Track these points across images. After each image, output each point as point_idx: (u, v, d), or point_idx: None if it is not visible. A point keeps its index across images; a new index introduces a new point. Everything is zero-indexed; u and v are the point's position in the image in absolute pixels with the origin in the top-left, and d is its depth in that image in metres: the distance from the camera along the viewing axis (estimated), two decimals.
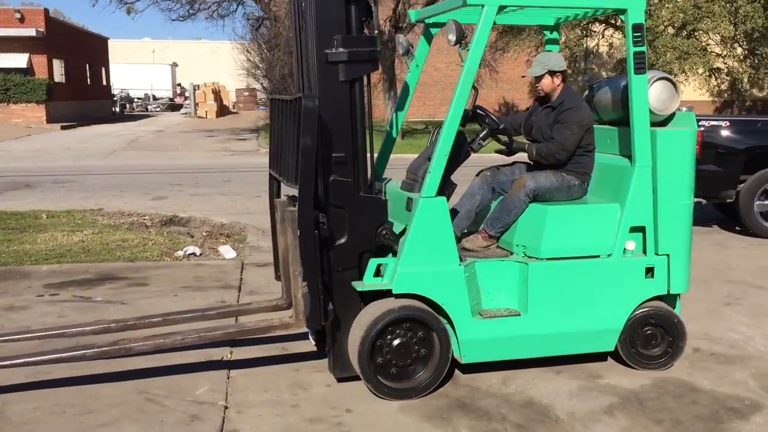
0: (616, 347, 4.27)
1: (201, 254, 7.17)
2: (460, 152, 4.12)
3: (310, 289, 3.70)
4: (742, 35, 23.17)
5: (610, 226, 4.18)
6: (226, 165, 16.52)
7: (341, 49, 3.73)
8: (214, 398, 3.84)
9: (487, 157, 5.79)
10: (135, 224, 8.73)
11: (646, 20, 4.75)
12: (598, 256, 4.18)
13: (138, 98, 50.60)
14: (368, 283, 3.88)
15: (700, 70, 23.18)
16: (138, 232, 8.09)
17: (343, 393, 3.95)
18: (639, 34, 4.07)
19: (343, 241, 3.87)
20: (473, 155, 4.38)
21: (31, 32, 29.27)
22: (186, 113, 42.59)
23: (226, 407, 3.74)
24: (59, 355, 3.80)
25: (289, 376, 4.16)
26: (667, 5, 23.13)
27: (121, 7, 22.30)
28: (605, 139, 4.59)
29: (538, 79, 4.46)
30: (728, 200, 7.93)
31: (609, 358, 4.41)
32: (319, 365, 4.30)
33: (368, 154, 3.96)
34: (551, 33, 4.99)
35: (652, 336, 4.28)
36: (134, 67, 53.15)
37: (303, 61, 4.09)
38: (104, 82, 42.11)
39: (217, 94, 40.96)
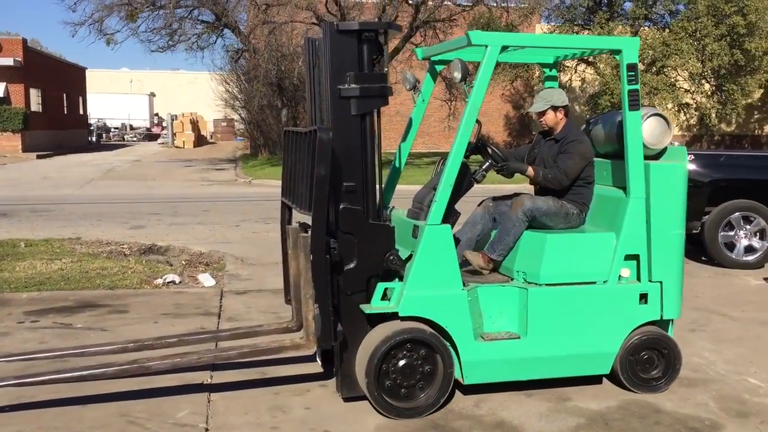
0: (614, 370, 4.46)
1: (180, 282, 7.26)
2: (463, 182, 4.35)
3: (321, 310, 3.89)
4: (709, 72, 23.93)
5: (606, 253, 4.40)
6: (204, 195, 16.61)
7: (353, 85, 3.98)
8: (195, 421, 3.94)
9: (489, 187, 6.01)
10: (114, 253, 8.80)
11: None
12: (595, 283, 4.39)
13: (115, 128, 50.51)
14: (376, 306, 4.07)
15: (669, 105, 23.86)
16: (117, 261, 8.16)
17: (321, 416, 4.07)
18: (633, 73, 4.36)
19: (352, 265, 4.06)
20: (475, 186, 4.61)
21: (8, 62, 29.26)
22: (163, 143, 42.61)
23: (207, 429, 3.85)
24: (81, 373, 3.95)
25: (269, 399, 4.27)
26: None
27: (100, 38, 22.46)
28: (601, 171, 4.84)
29: (542, 114, 4.72)
30: (694, 231, 8.21)
31: (592, 381, 4.58)
32: (299, 389, 4.43)
33: (377, 184, 4.19)
34: (550, 70, 5.26)
35: (650, 359, 4.48)
36: (112, 97, 53.15)
37: (316, 95, 4.35)
38: (81, 112, 42.04)
39: (195, 124, 41.09)
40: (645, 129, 4.58)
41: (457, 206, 4.50)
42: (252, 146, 30.08)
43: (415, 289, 4.08)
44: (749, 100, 27.70)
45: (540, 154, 4.83)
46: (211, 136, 48.58)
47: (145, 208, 13.56)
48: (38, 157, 28.65)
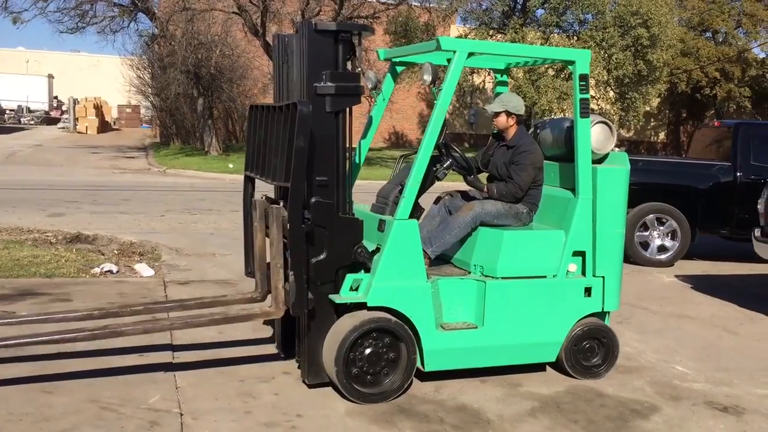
0: (559, 358, 4.77)
1: (118, 271, 7.14)
2: (426, 179, 4.53)
3: (296, 278, 4.00)
4: (613, 80, 25.16)
5: (557, 250, 4.71)
6: (119, 183, 16.14)
7: (329, 83, 4.10)
8: (167, 406, 3.98)
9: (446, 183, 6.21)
10: (38, 241, 8.51)
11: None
12: (546, 277, 4.69)
13: (11, 110, 47.86)
14: (345, 296, 4.21)
15: None
16: (45, 249, 7.91)
17: (291, 401, 4.19)
18: (584, 83, 4.68)
19: (322, 257, 4.17)
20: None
21: None
22: (64, 128, 40.77)
23: (181, 414, 3.90)
24: (53, 337, 3.98)
25: (236, 386, 4.35)
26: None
27: (6, 16, 21.34)
28: (549, 173, 5.15)
29: (496, 115, 4.95)
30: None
31: (546, 369, 4.89)
32: (264, 375, 4.53)
33: (348, 179, 4.33)
34: (501, 76, 5.54)
35: (591, 348, 4.82)
36: (6, 78, 50.26)
37: (284, 90, 4.47)
38: None
39: (98, 110, 39.55)
40: (591, 135, 4.93)
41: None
42: (163, 135, 29.30)
43: (383, 280, 4.26)
44: (648, 108, 29.37)
45: (493, 158, 5.10)
46: (115, 123, 46.83)
47: (59, 195, 13.08)
48: None
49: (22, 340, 3.99)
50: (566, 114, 24.23)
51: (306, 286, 4.08)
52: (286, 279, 4.14)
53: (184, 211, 11.92)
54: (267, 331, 5.28)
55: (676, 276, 8.45)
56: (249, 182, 4.75)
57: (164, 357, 4.75)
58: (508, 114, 4.94)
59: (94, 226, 9.84)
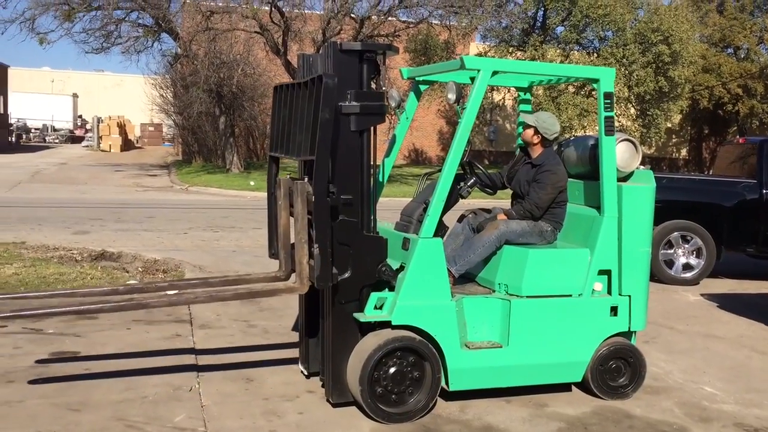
0: (585, 378, 4.73)
1: None
2: (450, 198, 4.53)
3: (321, 251, 4.02)
4: (634, 97, 25.07)
5: (582, 268, 4.68)
6: (142, 201, 16.30)
7: (354, 102, 4.12)
8: (193, 425, 3.99)
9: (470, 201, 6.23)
10: (64, 258, 8.60)
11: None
12: (571, 296, 4.65)
13: (36, 128, 48.61)
14: (369, 314, 4.21)
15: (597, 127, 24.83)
16: (71, 266, 7.99)
17: (315, 420, 4.18)
18: (609, 101, 4.66)
19: (347, 275, 4.18)
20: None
21: None
22: (88, 146, 41.33)
23: None
24: (79, 307, 4.08)
25: (260, 405, 4.35)
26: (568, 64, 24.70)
27: (33, 37, 21.73)
28: (573, 191, 5.12)
29: (525, 126, 4.94)
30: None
31: (572, 389, 4.84)
32: (288, 394, 4.52)
33: (372, 197, 4.34)
34: (524, 94, 5.53)
35: (617, 368, 4.77)
36: (33, 97, 51.06)
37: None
38: (1, 111, 40.29)
39: (122, 128, 40.04)
40: (616, 153, 4.90)
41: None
42: (185, 152, 29.59)
43: (408, 299, 4.25)
44: (669, 124, 29.20)
45: (518, 175, 5.09)
46: (137, 141, 47.38)
47: (84, 213, 13.23)
48: None
49: (48, 310, 4.04)
50: (587, 131, 24.16)
51: (331, 260, 4.10)
52: (311, 255, 4.16)
53: (206, 228, 12.00)
54: (292, 351, 5.27)
55: (702, 295, 8.34)
56: (273, 163, 4.78)
57: (189, 375, 4.77)
58: (536, 131, 4.94)
59: (119, 243, 9.94)
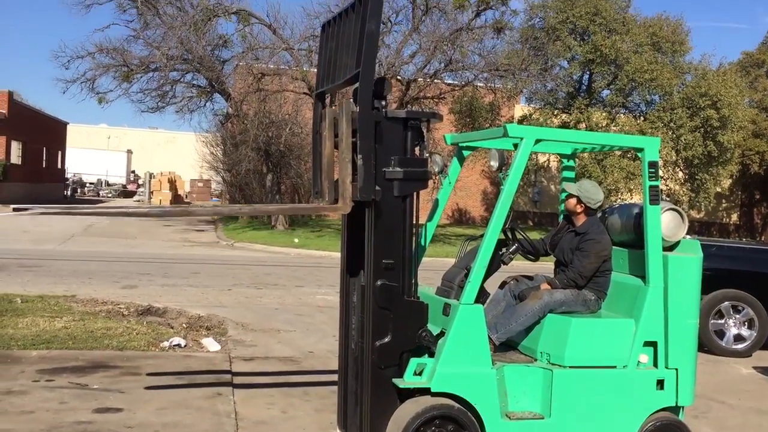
0: None
1: (186, 345, 7.27)
2: (492, 264, 4.53)
3: (365, 160, 4.08)
4: (682, 161, 24.80)
5: (626, 339, 4.60)
6: (189, 256, 16.58)
7: (398, 168, 4.20)
8: None
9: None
10: (112, 312, 8.77)
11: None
12: (615, 367, 4.57)
13: (90, 183, 50.24)
14: (409, 380, 4.19)
15: None
16: (118, 321, 8.14)
17: None
18: (654, 170, 4.66)
19: (387, 340, 4.19)
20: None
21: None
22: (139, 200, 42.43)
23: None
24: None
25: None
26: (614, 127, 24.70)
27: (92, 96, 22.68)
28: (618, 259, 5.07)
29: (568, 196, 4.97)
30: None
31: None
32: None
33: (414, 262, 4.36)
34: (568, 161, 5.56)
35: None
36: (90, 152, 52.95)
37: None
38: (59, 165, 41.86)
39: (172, 183, 41.10)
40: (662, 222, 4.86)
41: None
42: None
43: (448, 365, 4.22)
44: (719, 189, 28.73)
45: (561, 243, 5.07)
46: (186, 196, 48.50)
47: (133, 267, 13.51)
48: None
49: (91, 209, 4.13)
50: (634, 193, 23.91)
51: (374, 172, 4.12)
52: (354, 176, 4.18)
53: (250, 285, 12.13)
54: (330, 414, 5.25)
55: (755, 368, 8.06)
56: (319, 101, 4.81)
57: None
58: (579, 201, 4.93)
59: (165, 298, 10.11)
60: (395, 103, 21.26)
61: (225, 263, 15.39)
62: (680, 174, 25.78)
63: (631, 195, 24.08)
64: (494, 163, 4.44)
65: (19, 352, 6.45)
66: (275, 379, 6.31)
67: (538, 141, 4.57)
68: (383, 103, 4.30)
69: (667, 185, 26.09)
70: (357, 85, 4.21)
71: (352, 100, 4.33)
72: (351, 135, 4.22)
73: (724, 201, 34.62)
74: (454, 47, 20.70)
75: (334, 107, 4.60)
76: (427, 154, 4.49)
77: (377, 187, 4.19)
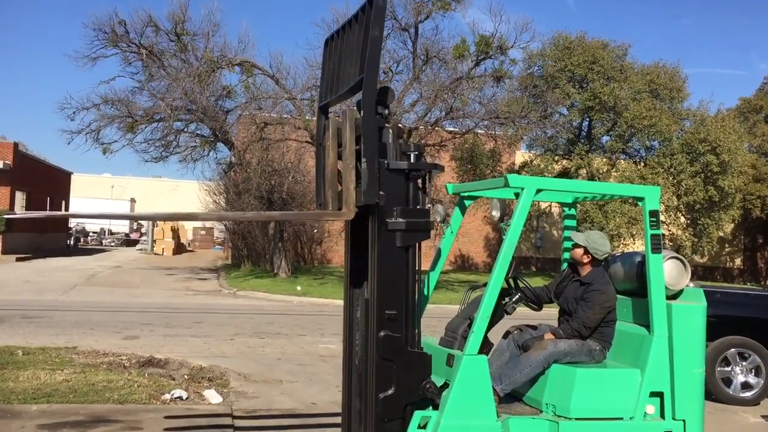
0: None
1: (187, 398, 7.20)
2: (495, 314, 4.53)
3: (368, 165, 4.05)
4: (683, 206, 24.85)
5: (632, 390, 4.56)
6: (192, 305, 16.53)
7: (400, 219, 4.21)
8: None
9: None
10: (113, 364, 8.71)
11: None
12: (622, 419, 4.52)
13: (93, 232, 50.38)
14: None
15: None
16: (119, 373, 8.08)
17: None
18: (655, 219, 4.68)
19: (390, 392, 4.15)
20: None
21: None
22: (142, 249, 42.49)
23: None
24: None
25: None
26: (614, 173, 24.82)
27: (97, 147, 22.91)
28: (621, 308, 5.06)
29: (575, 245, 4.95)
30: None
31: None
32: None
33: (417, 312, 4.34)
34: (569, 209, 5.59)
35: None
36: (93, 202, 53.21)
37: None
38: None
39: (175, 232, 41.19)
40: (664, 270, 4.86)
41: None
42: (235, 256, 30.15)
43: (452, 418, 4.18)
44: (721, 234, 28.72)
45: (565, 292, 5.06)
46: (189, 244, 48.58)
47: (135, 317, 13.47)
48: (17, 259, 28.38)
49: None
50: (636, 239, 23.89)
51: (378, 176, 4.10)
52: (358, 182, 4.16)
53: (252, 334, 12.07)
54: None
55: (763, 416, 7.94)
56: (323, 114, 4.79)
57: None
58: (586, 251, 4.93)
59: (166, 349, 10.05)
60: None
61: (227, 312, 15.33)
62: (682, 219, 25.81)
63: (633, 240, 24.07)
64: (496, 213, 4.47)
65: (19, 407, 6.40)
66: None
67: (539, 191, 4.60)
68: (386, 111, 4.33)
69: (670, 230, 26.11)
70: (360, 94, 4.24)
71: (355, 108, 4.38)
72: (354, 142, 4.24)
73: (727, 245, 34.57)
74: (454, 96, 20.97)
75: (337, 117, 4.65)
76: (429, 205, 4.52)
77: (381, 192, 4.19)
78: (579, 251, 4.95)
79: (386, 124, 4.31)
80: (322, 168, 4.66)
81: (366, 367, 4.28)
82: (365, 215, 4.28)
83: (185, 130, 23.26)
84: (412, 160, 4.32)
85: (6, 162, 30.07)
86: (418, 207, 4.41)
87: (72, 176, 43.80)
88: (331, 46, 4.84)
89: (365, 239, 4.34)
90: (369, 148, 4.14)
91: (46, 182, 36.66)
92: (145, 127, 22.34)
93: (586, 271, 4.95)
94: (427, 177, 4.49)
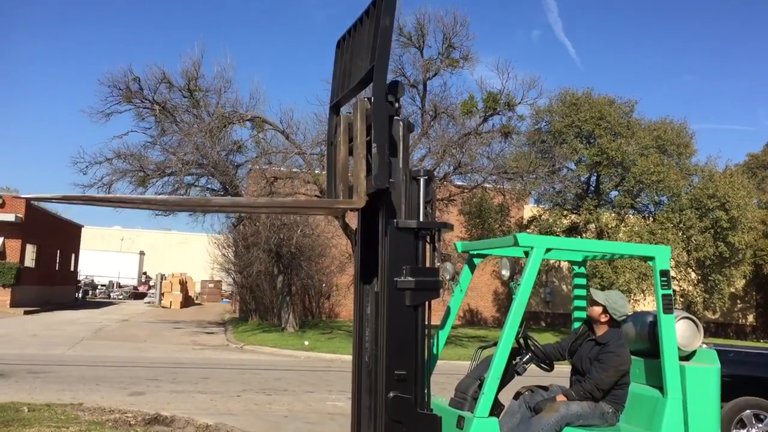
0: None
1: None
2: (506, 374, 4.48)
3: (379, 149, 4.01)
4: (694, 261, 24.70)
5: None
6: (198, 360, 16.41)
7: (409, 278, 4.21)
8: None
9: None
10: (119, 422, 8.60)
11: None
12: None
13: (102, 285, 50.41)
14: None
15: None
16: (124, 431, 7.98)
17: None
18: (666, 278, 4.67)
19: None
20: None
21: (9, 217, 29.73)
22: (150, 302, 42.44)
23: None
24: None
25: None
26: (623, 228, 24.79)
27: None
28: (634, 369, 5.02)
29: (593, 303, 4.92)
30: None
31: None
32: None
33: (427, 373, 4.29)
34: (579, 268, 5.58)
35: None
36: (103, 254, 53.45)
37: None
38: (72, 268, 42.12)
39: (183, 285, 41.19)
40: (676, 331, 4.81)
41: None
42: (242, 310, 30.04)
43: None
44: (733, 290, 28.47)
45: (580, 350, 5.01)
46: (197, 297, 48.50)
47: (142, 372, 13.36)
48: (25, 312, 28.36)
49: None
50: (647, 295, 23.69)
51: (388, 161, 4.06)
52: (368, 171, 4.12)
53: (259, 391, 11.93)
54: None
55: None
56: (334, 112, 4.79)
57: None
58: (605, 310, 4.89)
59: (172, 406, 9.94)
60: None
61: (234, 367, 15.20)
62: (693, 275, 25.63)
63: (644, 296, 23.88)
64: (506, 272, 4.47)
65: None
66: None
67: (548, 250, 4.61)
68: (396, 105, 4.35)
69: (681, 286, 25.90)
70: (370, 89, 4.28)
71: (366, 99, 4.41)
72: (365, 133, 4.26)
73: (739, 302, 34.22)
74: (462, 151, 21.13)
75: (348, 114, 4.69)
76: (439, 263, 4.52)
77: (391, 179, 4.20)
78: (597, 309, 4.91)
79: (396, 116, 4.35)
80: (333, 163, 4.73)
81: (375, 429, 4.22)
82: (375, 211, 4.31)
83: (196, 184, 23.46)
84: (422, 186, 4.35)
85: (18, 215, 30.32)
86: (428, 266, 4.41)
87: (83, 229, 44.08)
88: (343, 46, 4.93)
89: (376, 232, 4.37)
90: (380, 134, 4.15)
91: (57, 235, 36.90)
92: (157, 181, 22.55)
93: (602, 330, 4.91)
94: (436, 235, 4.50)
